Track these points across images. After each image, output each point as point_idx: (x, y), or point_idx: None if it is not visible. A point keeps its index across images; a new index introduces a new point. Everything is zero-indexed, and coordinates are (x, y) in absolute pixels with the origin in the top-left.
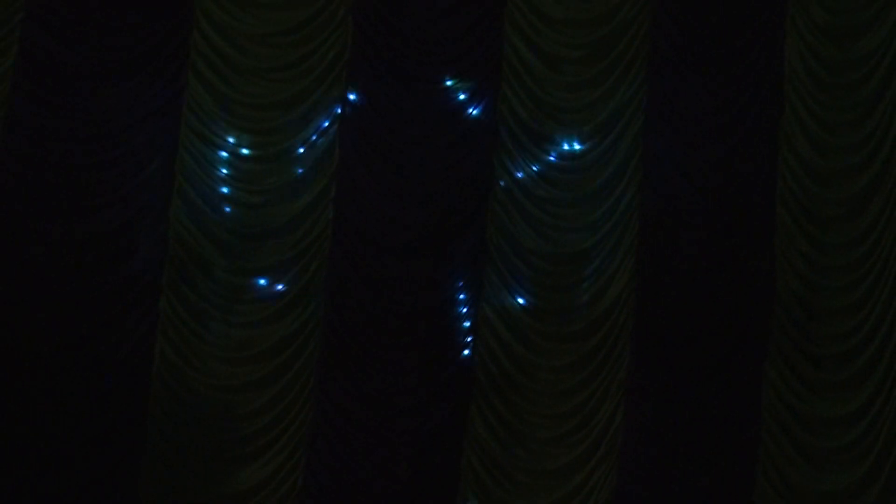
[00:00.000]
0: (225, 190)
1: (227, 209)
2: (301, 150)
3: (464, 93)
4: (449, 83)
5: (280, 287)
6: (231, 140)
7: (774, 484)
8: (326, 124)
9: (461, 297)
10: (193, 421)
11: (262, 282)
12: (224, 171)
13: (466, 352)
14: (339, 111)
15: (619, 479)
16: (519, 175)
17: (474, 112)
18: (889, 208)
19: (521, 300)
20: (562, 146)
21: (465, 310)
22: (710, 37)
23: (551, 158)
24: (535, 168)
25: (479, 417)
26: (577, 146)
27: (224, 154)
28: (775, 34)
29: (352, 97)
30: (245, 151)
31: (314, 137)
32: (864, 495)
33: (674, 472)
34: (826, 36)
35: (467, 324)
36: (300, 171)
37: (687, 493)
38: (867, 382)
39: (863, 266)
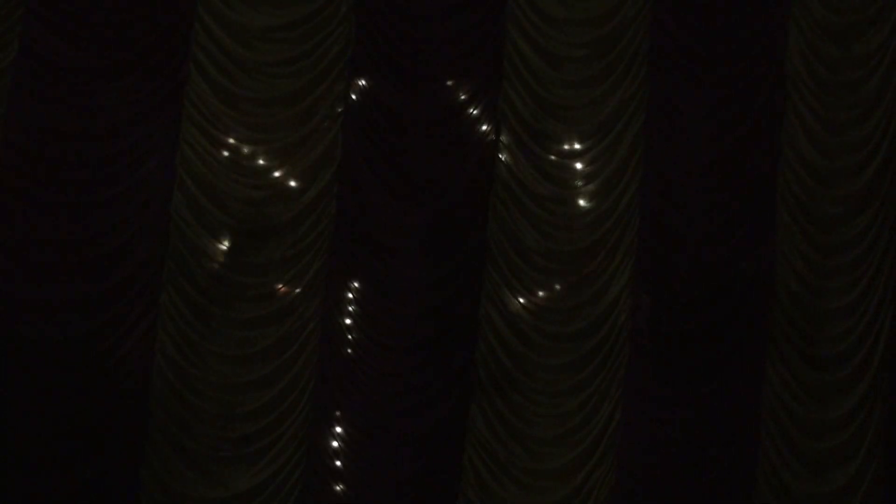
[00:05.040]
0: (226, 186)
1: (229, 205)
2: (303, 147)
3: (465, 90)
4: (451, 81)
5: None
6: (233, 135)
7: (772, 485)
8: (328, 121)
9: (462, 294)
10: (195, 420)
11: (264, 279)
12: (225, 166)
13: (467, 350)
14: (341, 108)
15: (618, 478)
16: (520, 173)
17: (476, 110)
18: (884, 210)
19: (521, 298)
20: (563, 144)
21: (465, 308)
22: (711, 35)
23: (552, 157)
24: (535, 166)
25: (480, 416)
26: (577, 144)
27: (225, 149)
28: (777, 32)
29: (354, 94)
30: (246, 147)
31: (316, 134)
32: (853, 495)
33: (673, 472)
34: (828, 35)
35: (468, 322)
36: (302, 167)
37: (686, 492)
38: (860, 384)
39: (859, 267)
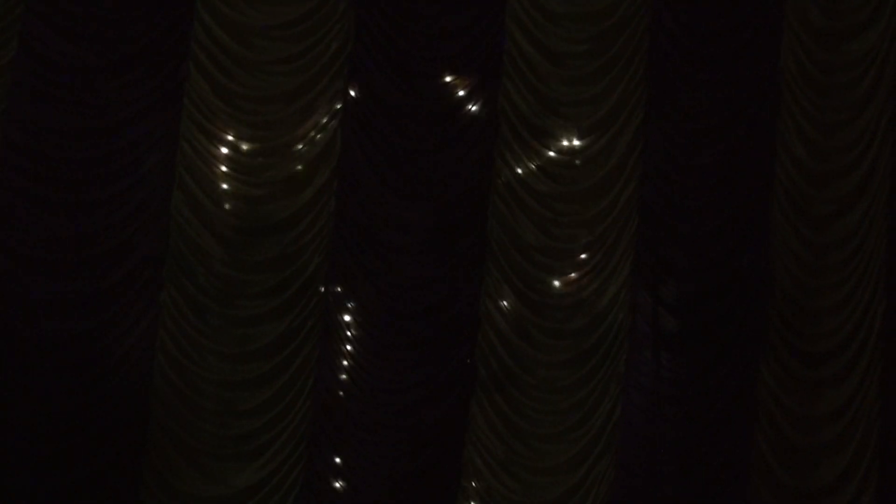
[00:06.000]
0: (226, 183)
1: (228, 203)
2: (302, 144)
3: (465, 87)
4: (450, 77)
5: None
6: (232, 133)
7: (766, 479)
8: (328, 118)
9: (462, 291)
10: (195, 417)
11: (263, 277)
12: (225, 164)
13: (467, 347)
14: (340, 105)
15: (618, 474)
16: (519, 170)
17: (475, 106)
18: (874, 208)
19: (521, 295)
20: (562, 141)
21: (465, 305)
22: (710, 34)
23: (552, 153)
24: (535, 163)
25: (480, 413)
26: (577, 141)
27: (225, 147)
28: (772, 34)
29: (353, 91)
30: (246, 145)
31: (315, 131)
32: (843, 490)
33: (670, 467)
34: (821, 38)
35: (468, 319)
36: (301, 164)
37: (683, 487)
38: (851, 379)
39: (850, 264)
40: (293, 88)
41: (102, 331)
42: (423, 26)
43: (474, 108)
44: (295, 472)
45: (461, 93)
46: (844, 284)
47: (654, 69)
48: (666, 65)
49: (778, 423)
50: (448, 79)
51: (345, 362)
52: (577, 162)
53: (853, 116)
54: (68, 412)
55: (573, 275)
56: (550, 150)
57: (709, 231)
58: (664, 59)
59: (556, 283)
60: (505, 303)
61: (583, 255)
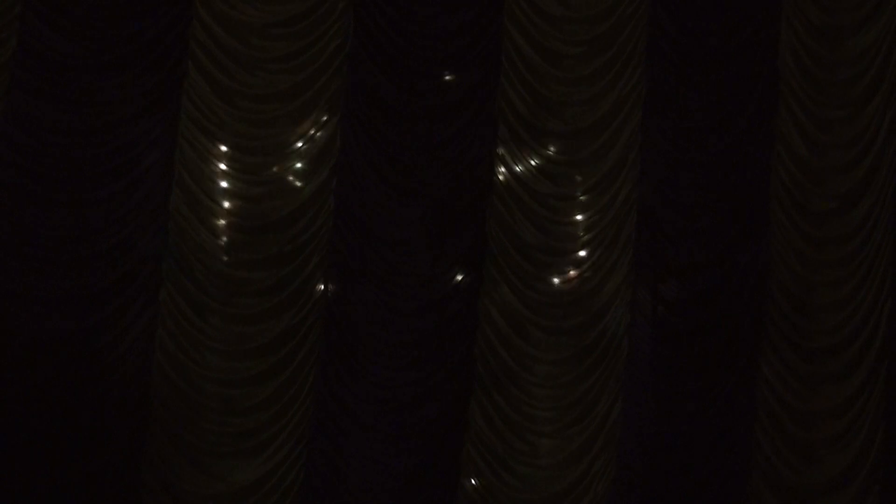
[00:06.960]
0: (224, 182)
1: (227, 201)
2: (301, 142)
3: (463, 86)
4: (448, 76)
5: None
6: (231, 131)
7: (766, 475)
8: (326, 116)
9: (460, 289)
10: (195, 415)
11: (262, 275)
12: (224, 162)
13: (466, 345)
14: (339, 103)
15: (617, 471)
16: (518, 169)
17: (474, 105)
18: (879, 204)
19: (519, 293)
20: (560, 141)
21: (464, 303)
22: (707, 33)
23: (550, 153)
24: (533, 162)
25: (479, 411)
26: (575, 140)
27: (224, 145)
28: (770, 31)
29: (352, 89)
30: (245, 143)
31: (314, 129)
32: (848, 486)
33: (670, 463)
34: (820, 34)
35: (466, 317)
36: (300, 163)
37: (683, 483)
38: (855, 375)
39: (853, 261)
40: (292, 86)
41: (101, 329)
42: (422, 26)
43: (473, 107)
44: (295, 470)
45: (460, 92)
46: (847, 281)
47: (652, 68)
48: (664, 63)
49: (778, 418)
50: (447, 77)
51: (344, 360)
52: (576, 161)
53: (854, 112)
54: (67, 411)
55: (572, 272)
56: (548, 149)
57: (708, 228)
58: (662, 57)
59: (555, 280)
60: (503, 301)
61: (581, 253)
